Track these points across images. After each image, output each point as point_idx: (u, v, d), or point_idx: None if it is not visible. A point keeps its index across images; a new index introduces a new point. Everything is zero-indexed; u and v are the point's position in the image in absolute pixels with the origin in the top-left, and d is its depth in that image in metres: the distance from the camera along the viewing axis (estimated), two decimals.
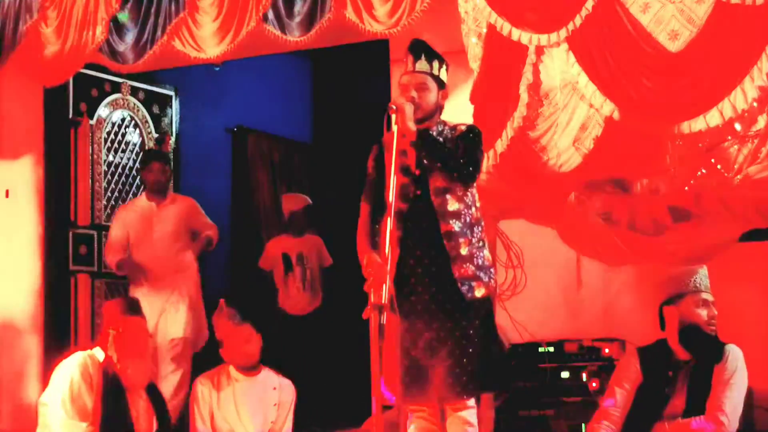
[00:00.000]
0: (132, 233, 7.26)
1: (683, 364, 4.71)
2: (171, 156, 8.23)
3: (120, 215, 7.39)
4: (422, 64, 4.65)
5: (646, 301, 5.10)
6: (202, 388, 5.69)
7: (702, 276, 4.72)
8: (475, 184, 4.69)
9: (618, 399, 4.76)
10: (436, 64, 4.67)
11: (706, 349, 4.67)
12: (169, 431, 5.35)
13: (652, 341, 4.87)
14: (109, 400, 5.13)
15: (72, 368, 5.16)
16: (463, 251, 4.58)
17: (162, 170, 7.34)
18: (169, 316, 7.12)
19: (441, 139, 4.65)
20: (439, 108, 4.71)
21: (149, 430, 5.27)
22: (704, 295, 4.69)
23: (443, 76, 4.71)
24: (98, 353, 5.25)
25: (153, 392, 5.34)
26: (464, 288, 4.55)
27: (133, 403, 5.22)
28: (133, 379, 5.22)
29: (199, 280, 7.38)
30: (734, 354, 4.65)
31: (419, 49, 4.68)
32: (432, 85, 4.66)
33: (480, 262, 4.62)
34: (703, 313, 4.67)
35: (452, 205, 4.61)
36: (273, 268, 8.15)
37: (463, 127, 4.71)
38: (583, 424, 5.27)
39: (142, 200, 7.39)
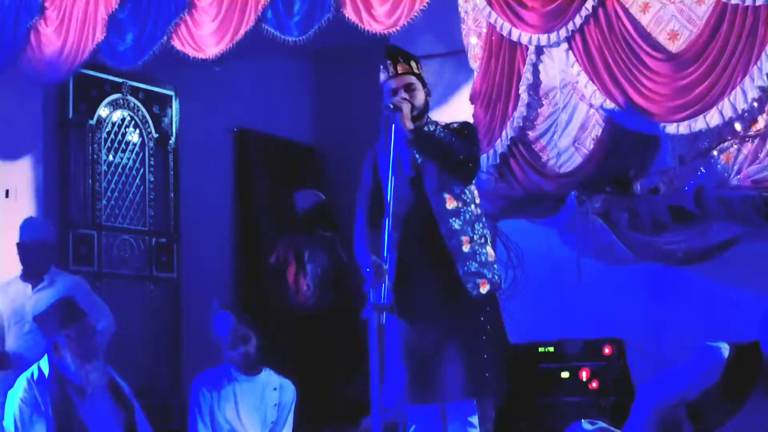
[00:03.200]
0: (3, 321, 6.33)
1: None
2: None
3: None
4: (404, 66, 4.68)
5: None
6: (202, 388, 5.68)
7: None
8: (474, 181, 4.69)
9: (678, 393, 4.65)
10: (414, 63, 4.71)
11: None
12: (135, 431, 5.22)
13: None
14: (61, 413, 5.03)
15: (16, 398, 5.06)
16: (465, 249, 4.58)
17: (37, 250, 6.38)
18: None
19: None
20: (427, 106, 4.72)
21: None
22: None
23: (422, 75, 4.74)
24: (43, 367, 5.12)
25: (117, 392, 5.24)
26: (469, 285, 4.55)
27: (93, 406, 5.11)
28: (93, 383, 5.12)
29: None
30: None
31: (396, 52, 4.73)
32: (418, 84, 4.69)
33: (483, 258, 4.61)
34: None
35: (450, 204, 4.60)
36: (285, 266, 8.09)
37: (456, 125, 4.71)
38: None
39: (16, 281, 6.39)
